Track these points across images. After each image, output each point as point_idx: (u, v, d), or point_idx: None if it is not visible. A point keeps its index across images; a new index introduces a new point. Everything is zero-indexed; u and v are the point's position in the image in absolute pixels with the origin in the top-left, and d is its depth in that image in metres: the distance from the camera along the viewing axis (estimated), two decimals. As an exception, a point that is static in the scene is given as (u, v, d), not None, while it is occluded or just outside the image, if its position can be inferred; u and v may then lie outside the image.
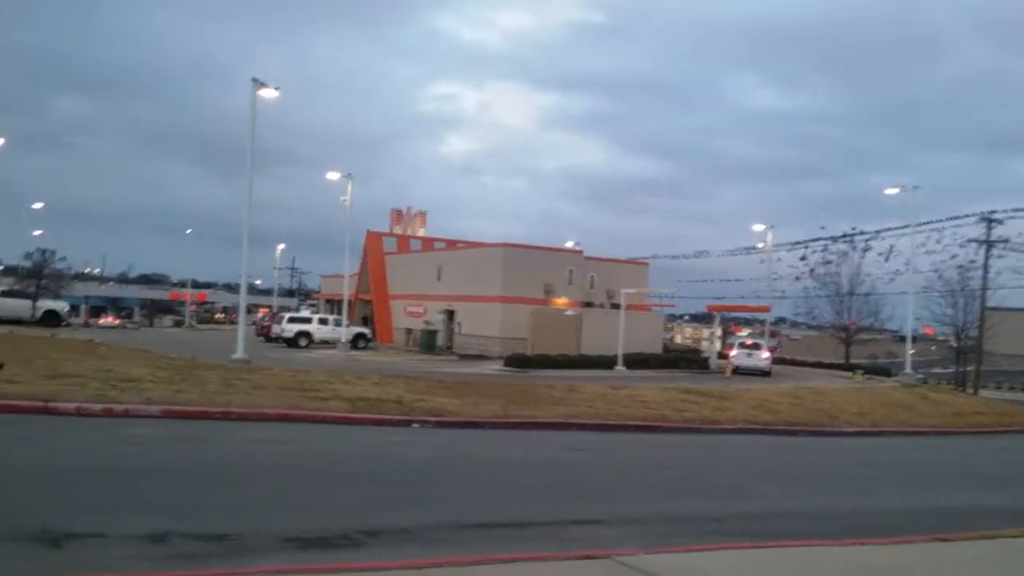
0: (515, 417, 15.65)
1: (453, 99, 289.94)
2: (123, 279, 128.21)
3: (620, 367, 34.67)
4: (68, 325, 48.78)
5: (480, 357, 39.82)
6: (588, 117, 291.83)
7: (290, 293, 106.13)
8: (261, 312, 73.14)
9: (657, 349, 42.04)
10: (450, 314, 46.94)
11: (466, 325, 44.95)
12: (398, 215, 63.12)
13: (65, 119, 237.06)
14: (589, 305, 44.31)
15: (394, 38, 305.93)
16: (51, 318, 47.00)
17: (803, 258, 50.49)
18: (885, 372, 42.74)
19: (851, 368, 41.17)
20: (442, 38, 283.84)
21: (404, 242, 59.25)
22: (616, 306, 40.18)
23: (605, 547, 6.54)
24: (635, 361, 35.62)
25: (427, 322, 46.96)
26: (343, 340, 42.79)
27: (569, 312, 41.56)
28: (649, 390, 22.33)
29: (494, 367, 33.83)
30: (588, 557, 6.16)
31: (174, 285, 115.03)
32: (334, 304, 60.93)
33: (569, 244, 55.84)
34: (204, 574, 5.26)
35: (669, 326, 75.68)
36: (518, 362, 33.79)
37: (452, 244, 56.34)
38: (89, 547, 5.83)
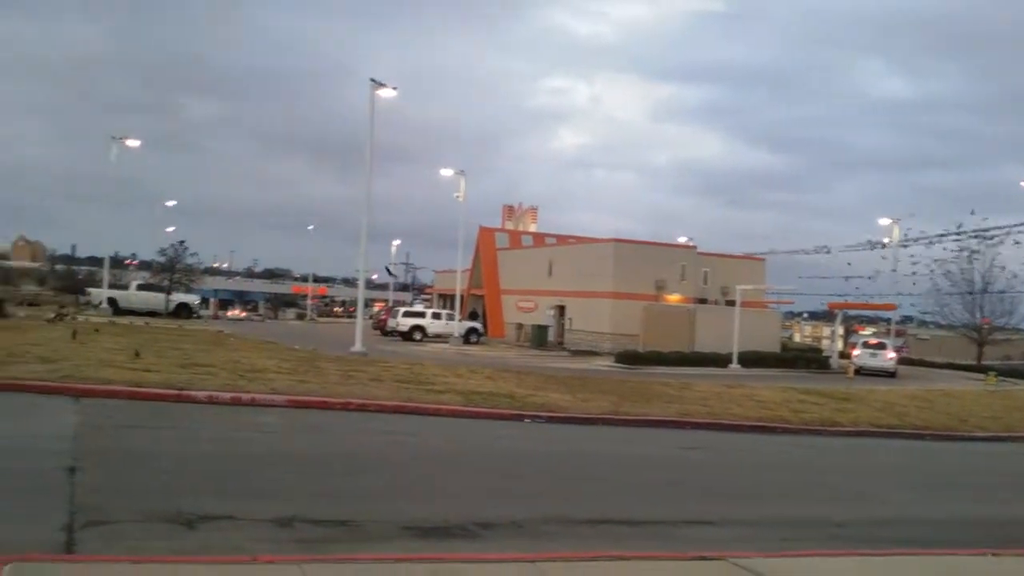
0: (627, 414, 15.54)
1: (565, 93, 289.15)
2: (249, 273, 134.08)
3: (735, 365, 33.93)
4: (199, 317, 51.40)
5: (591, 353, 39.71)
6: (704, 109, 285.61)
7: (405, 288, 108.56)
8: (377, 307, 75.06)
9: (774, 347, 40.87)
10: (561, 309, 47.01)
11: (577, 321, 44.92)
12: (510, 211, 63.69)
13: (196, 121, 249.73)
14: (703, 301, 43.49)
15: (508, 34, 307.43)
16: (183, 310, 49.63)
17: (935, 258, 47.95)
18: (1021, 375, 40.22)
19: (984, 370, 38.88)
20: (556, 32, 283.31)
21: (516, 237, 59.71)
22: (731, 303, 39.30)
23: (719, 549, 6.44)
24: (751, 359, 34.76)
25: (544, 316, 47.12)
26: (456, 334, 43.50)
27: (682, 308, 40.93)
28: (766, 390, 21.77)
29: (605, 363, 33.69)
30: (702, 558, 6.08)
31: (296, 279, 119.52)
32: (447, 299, 61.92)
33: (682, 239, 55.06)
34: (330, 559, 5.46)
35: (787, 324, 73.36)
36: (629, 358, 33.52)
37: (563, 239, 56.40)
38: (221, 530, 6.14)
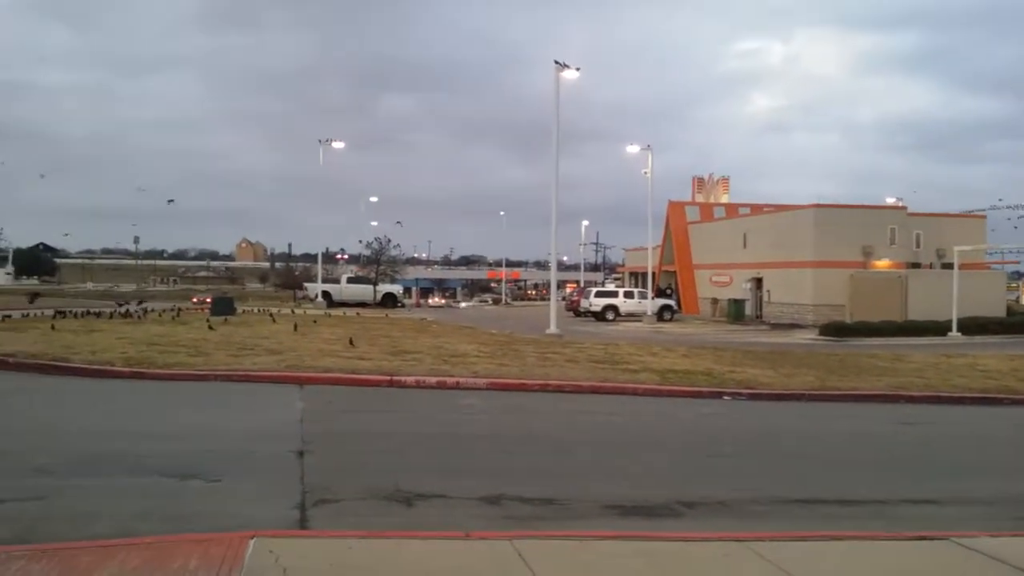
0: (834, 389, 14.84)
1: (757, 54, 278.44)
2: (446, 261, 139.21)
3: (954, 333, 31.45)
4: (403, 306, 54.09)
5: (792, 326, 38.16)
6: (912, 56, 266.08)
7: (595, 268, 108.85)
8: (569, 288, 75.77)
9: (999, 312, 37.47)
10: (758, 282, 45.44)
11: (775, 293, 43.25)
12: (700, 182, 62.16)
13: (392, 118, 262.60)
14: (916, 266, 40.57)
15: (693, 1, 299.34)
16: (389, 300, 52.45)
17: None
18: None
19: None
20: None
21: (707, 210, 58.22)
22: (948, 266, 36.39)
23: (942, 528, 6.06)
24: (972, 326, 32.09)
25: (739, 291, 45.80)
26: (649, 312, 43.14)
27: (892, 274, 38.38)
28: (990, 358, 20.06)
29: (808, 336, 32.28)
30: (923, 538, 5.75)
31: (490, 265, 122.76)
32: (638, 276, 61.51)
33: (890, 200, 51.51)
34: (540, 535, 5.64)
35: (1013, 285, 67.06)
36: (835, 330, 31.90)
37: (757, 209, 54.32)
38: (434, 506, 6.51)
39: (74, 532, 5.41)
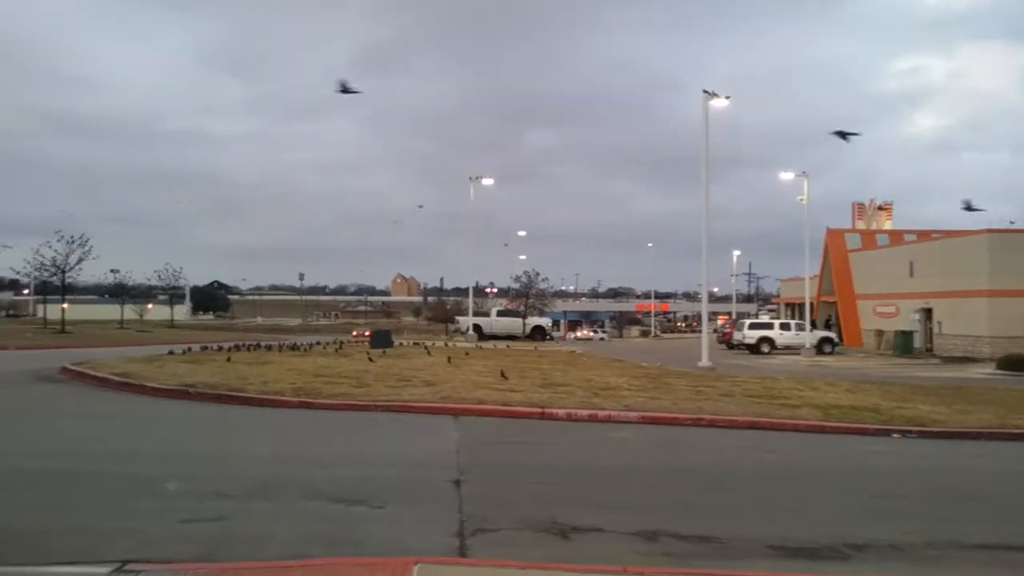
0: (1015, 427, 13.76)
1: (917, 72, 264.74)
2: (593, 294, 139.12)
3: None
4: (551, 338, 54.44)
5: (966, 359, 35.70)
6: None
7: (748, 299, 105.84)
8: (720, 320, 73.98)
9: None
10: (927, 312, 42.85)
11: (947, 324, 40.63)
12: (860, 208, 59.51)
13: (536, 152, 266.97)
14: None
15: (845, 19, 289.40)
16: (538, 333, 52.95)
17: None
18: None
19: None
20: (900, 7, 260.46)
21: (869, 237, 55.58)
22: None
23: None
24: None
25: (910, 320, 43.35)
26: (807, 345, 41.50)
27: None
28: None
29: (983, 370, 30.09)
30: None
31: (638, 297, 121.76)
32: (794, 308, 59.34)
33: (1074, 223, 47.47)
34: (699, 574, 5.53)
35: None
36: (1014, 364, 29.60)
37: (924, 235, 51.33)
38: (590, 540, 6.49)
39: (252, 553, 5.76)
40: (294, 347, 30.08)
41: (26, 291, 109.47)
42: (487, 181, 53.81)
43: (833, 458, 11.74)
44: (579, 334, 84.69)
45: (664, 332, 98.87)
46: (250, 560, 5.52)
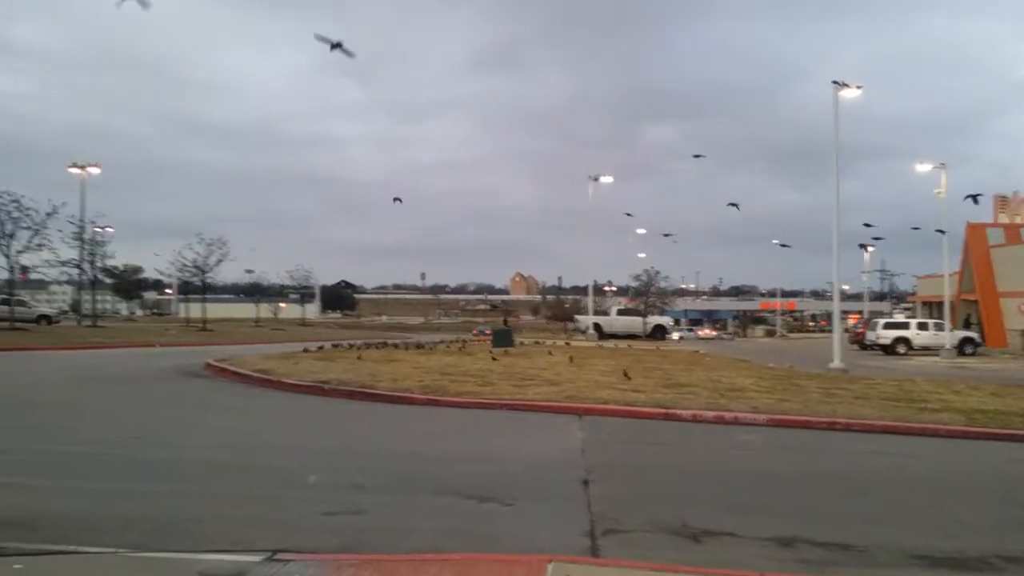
0: None
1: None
2: (715, 292, 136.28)
3: None
4: (681, 338, 53.70)
5: None
6: None
7: (881, 297, 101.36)
8: (851, 319, 71.11)
9: None
10: (1083, 311, 39.92)
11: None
12: (1002, 202, 56.19)
13: (655, 147, 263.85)
14: None
15: (984, 0, 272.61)
16: (658, 332, 52.36)
17: None
18: None
19: None
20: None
21: (1013, 231, 52.27)
22: None
23: None
24: None
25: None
26: (947, 346, 39.40)
27: None
28: None
29: None
30: None
31: (763, 295, 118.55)
32: (932, 306, 56.39)
33: None
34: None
35: None
36: None
37: (1077, 229, 47.86)
38: (723, 544, 6.40)
39: (390, 545, 5.98)
40: (419, 346, 30.86)
41: (169, 291, 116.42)
42: (606, 178, 53.58)
43: (978, 465, 11.12)
44: (701, 333, 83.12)
45: (790, 331, 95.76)
46: (389, 553, 5.74)
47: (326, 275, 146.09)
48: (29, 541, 5.73)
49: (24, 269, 47.32)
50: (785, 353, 38.21)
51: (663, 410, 13.81)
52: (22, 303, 49.06)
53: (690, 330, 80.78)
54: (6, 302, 44.58)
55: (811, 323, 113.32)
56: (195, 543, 5.85)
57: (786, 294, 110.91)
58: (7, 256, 39.98)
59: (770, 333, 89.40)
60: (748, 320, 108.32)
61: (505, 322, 58.81)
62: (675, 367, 22.94)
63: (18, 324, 40.19)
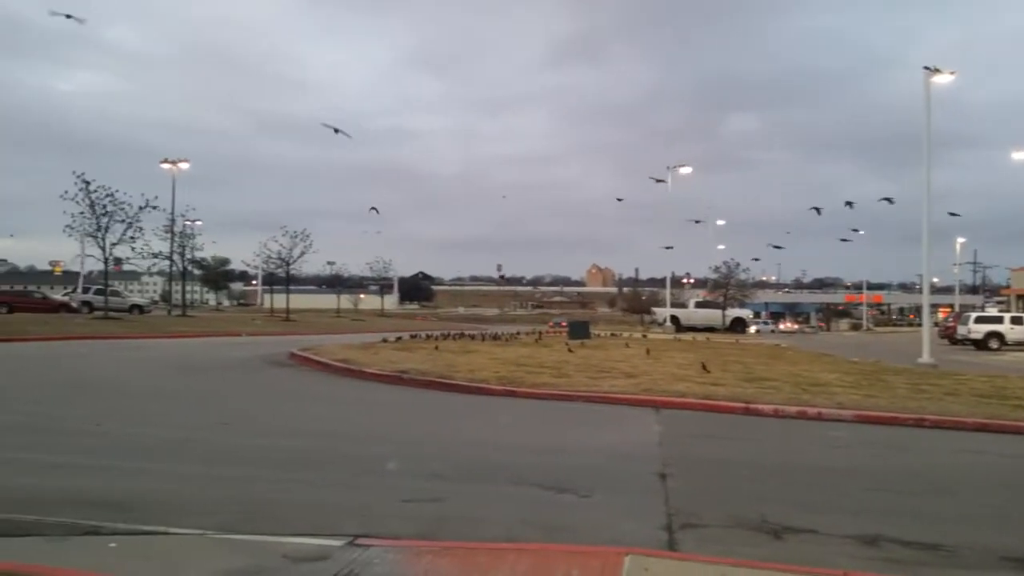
0: None
1: None
2: (798, 284, 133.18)
3: None
4: (761, 331, 52.71)
5: None
6: None
7: (973, 290, 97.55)
8: (941, 313, 68.59)
9: None
10: None
11: None
12: (1108, 191, 53.16)
13: (735, 137, 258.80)
14: None
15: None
16: (738, 325, 51.48)
17: None
18: None
19: None
20: None
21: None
22: None
23: None
24: None
25: None
26: (1044, 341, 37.65)
27: None
28: None
29: None
30: None
31: (847, 288, 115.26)
32: (1029, 300, 53.91)
33: None
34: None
35: None
36: None
37: None
38: (805, 541, 6.27)
39: (468, 533, 6.05)
40: (495, 337, 31.03)
41: (254, 282, 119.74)
42: (685, 170, 52.85)
43: (1080, 467, 10.61)
44: (782, 326, 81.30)
45: (876, 325, 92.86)
46: (467, 541, 5.81)
47: (404, 267, 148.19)
48: (123, 521, 6.00)
49: (118, 260, 49.30)
50: (870, 348, 37.10)
51: (743, 404, 13.58)
52: (116, 293, 51.21)
53: (766, 323, 79.11)
54: (101, 292, 46.63)
55: (897, 317, 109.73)
56: (279, 526, 6.03)
57: (872, 287, 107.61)
58: (102, 248, 41.71)
59: (855, 327, 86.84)
60: (832, 313, 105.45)
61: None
62: (755, 361, 22.51)
63: (112, 313, 41.94)
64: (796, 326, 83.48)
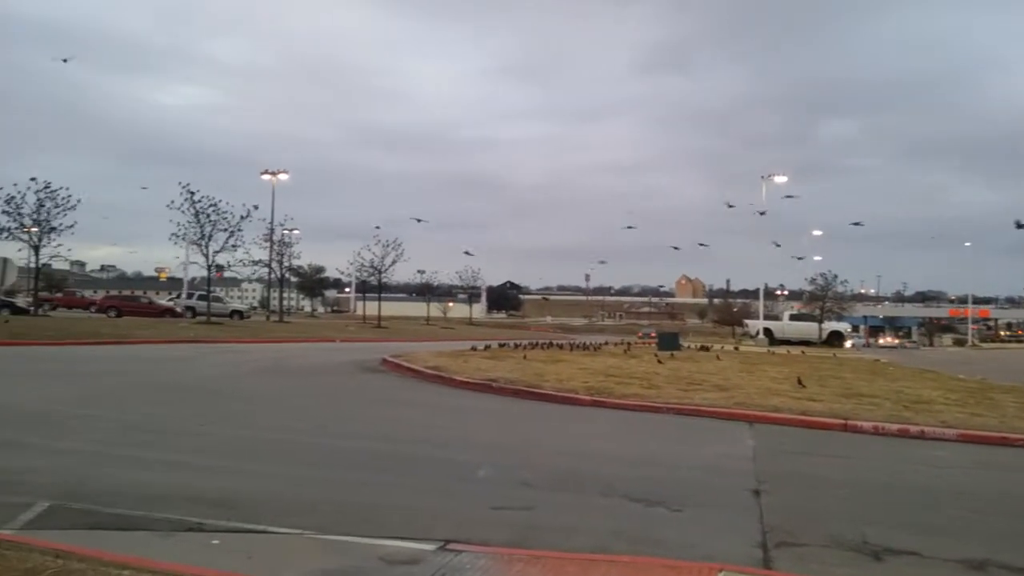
0: None
1: None
2: (898, 298, 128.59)
3: None
4: (847, 346, 51.03)
5: None
6: None
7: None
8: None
9: None
10: None
11: None
12: None
13: (831, 144, 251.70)
14: None
15: None
16: (835, 338, 49.93)
17: None
18: None
19: None
20: None
21: None
22: None
23: None
24: None
25: None
26: None
27: None
28: None
29: None
30: None
31: (952, 302, 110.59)
32: None
33: None
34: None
35: None
36: None
37: None
38: (907, 564, 6.04)
39: (558, 542, 6.06)
40: (583, 347, 30.95)
41: (347, 289, 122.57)
42: (780, 179, 51.72)
43: None
44: (881, 341, 78.52)
45: (982, 341, 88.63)
46: (557, 550, 5.81)
47: (492, 276, 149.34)
48: (226, 519, 6.24)
49: (220, 267, 51.31)
50: (976, 364, 35.43)
51: (841, 421, 13.16)
52: (217, 299, 53.32)
53: (860, 338, 76.46)
54: (203, 298, 48.55)
55: (1005, 332, 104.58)
56: (374, 529, 6.17)
57: (977, 300, 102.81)
58: (205, 255, 43.48)
59: (959, 342, 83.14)
60: (934, 328, 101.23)
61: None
62: (854, 376, 21.80)
63: (214, 318, 43.62)
64: (896, 341, 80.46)
